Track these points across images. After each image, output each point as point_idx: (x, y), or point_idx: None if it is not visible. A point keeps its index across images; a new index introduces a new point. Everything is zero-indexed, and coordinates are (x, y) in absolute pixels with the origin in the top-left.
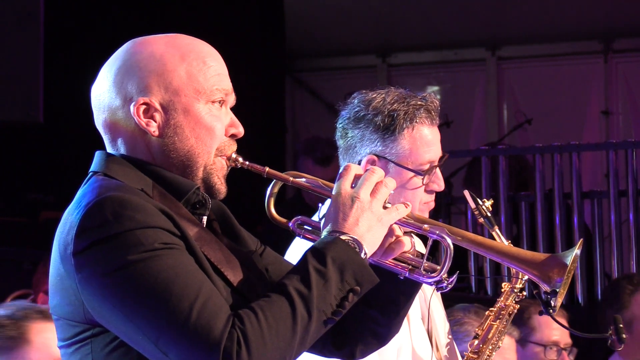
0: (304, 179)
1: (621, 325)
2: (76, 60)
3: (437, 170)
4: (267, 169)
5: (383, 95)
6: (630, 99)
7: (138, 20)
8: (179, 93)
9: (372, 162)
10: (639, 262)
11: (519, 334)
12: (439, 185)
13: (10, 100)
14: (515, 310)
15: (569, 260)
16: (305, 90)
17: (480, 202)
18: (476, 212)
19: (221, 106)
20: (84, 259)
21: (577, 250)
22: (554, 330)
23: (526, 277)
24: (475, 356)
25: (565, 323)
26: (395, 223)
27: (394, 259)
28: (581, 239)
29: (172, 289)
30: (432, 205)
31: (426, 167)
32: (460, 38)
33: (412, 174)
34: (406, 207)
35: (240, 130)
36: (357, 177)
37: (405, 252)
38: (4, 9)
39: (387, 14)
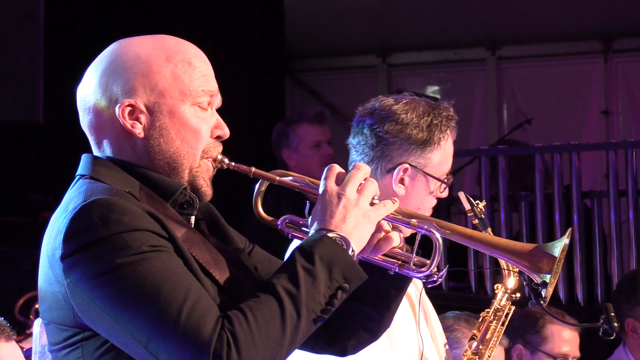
0: (290, 178)
1: (612, 314)
2: (76, 60)
3: None
4: (254, 169)
5: (413, 105)
6: (630, 99)
7: (138, 21)
8: (164, 95)
9: (405, 171)
10: (639, 262)
11: (508, 342)
12: (447, 192)
13: (10, 100)
14: (512, 311)
15: (558, 250)
16: (305, 90)
17: (475, 204)
18: (470, 214)
19: (207, 108)
20: (72, 263)
21: (565, 240)
22: (565, 342)
23: (517, 276)
24: (475, 357)
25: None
26: (384, 219)
27: (384, 254)
28: (569, 229)
29: (161, 292)
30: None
31: (445, 176)
32: (460, 38)
33: (436, 182)
34: (393, 202)
35: (225, 132)
36: (339, 176)
37: (394, 248)
38: (4, 9)
39: (387, 14)
